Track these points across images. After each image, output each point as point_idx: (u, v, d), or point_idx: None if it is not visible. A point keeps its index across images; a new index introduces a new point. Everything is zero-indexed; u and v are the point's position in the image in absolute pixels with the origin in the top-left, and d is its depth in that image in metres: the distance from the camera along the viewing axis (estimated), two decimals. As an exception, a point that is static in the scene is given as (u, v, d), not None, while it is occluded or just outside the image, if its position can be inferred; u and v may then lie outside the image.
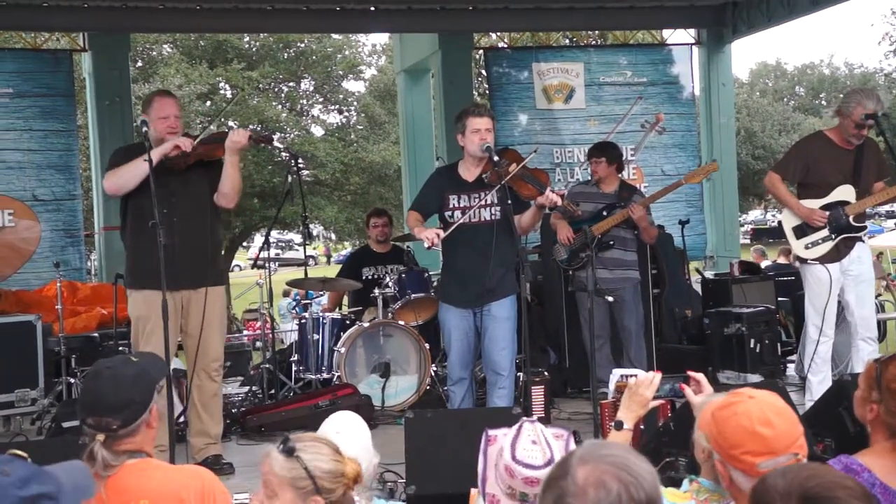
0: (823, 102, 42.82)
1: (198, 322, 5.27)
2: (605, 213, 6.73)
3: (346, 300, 8.53)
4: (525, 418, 3.00)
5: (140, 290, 5.41)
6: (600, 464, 1.78)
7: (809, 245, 5.90)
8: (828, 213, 5.83)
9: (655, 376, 3.17)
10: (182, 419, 5.89)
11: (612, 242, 6.65)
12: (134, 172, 5.24)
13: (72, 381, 7.08)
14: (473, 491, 2.93)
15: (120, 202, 5.59)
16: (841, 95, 8.02)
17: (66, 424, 5.88)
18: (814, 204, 5.89)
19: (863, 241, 5.94)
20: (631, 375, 3.22)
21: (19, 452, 2.03)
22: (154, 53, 22.69)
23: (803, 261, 5.97)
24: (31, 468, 1.96)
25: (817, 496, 1.85)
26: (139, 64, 21.50)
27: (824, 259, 5.86)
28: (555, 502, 1.77)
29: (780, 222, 6.11)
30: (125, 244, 5.59)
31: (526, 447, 2.76)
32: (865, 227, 5.87)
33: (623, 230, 6.72)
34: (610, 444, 1.87)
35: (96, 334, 7.38)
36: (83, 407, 2.73)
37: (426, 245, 5.42)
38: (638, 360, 6.69)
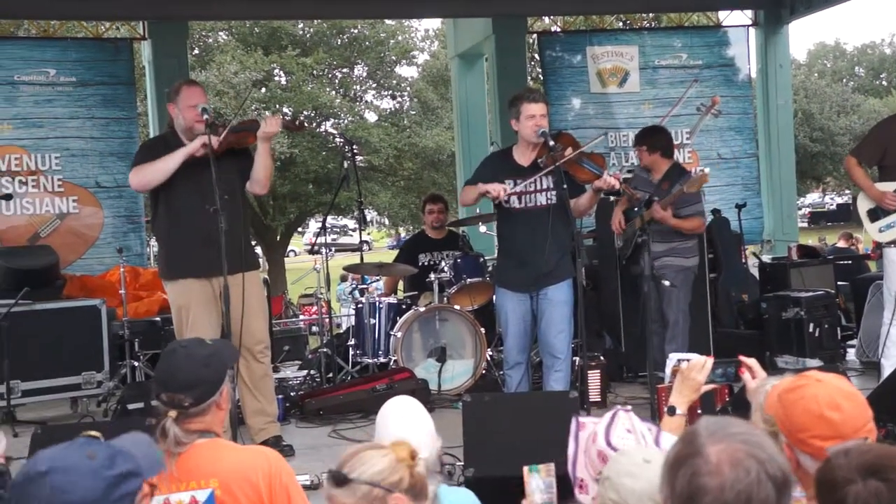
0: (884, 83, 41.96)
1: (238, 306, 5.31)
2: (654, 200, 6.58)
3: (401, 285, 8.60)
4: (619, 406, 3.02)
5: (177, 280, 5.49)
6: (733, 442, 1.78)
7: (884, 228, 5.85)
8: None
9: (707, 361, 3.17)
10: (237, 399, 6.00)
11: (644, 230, 6.39)
12: (160, 169, 5.32)
13: (136, 364, 7.24)
14: (526, 469, 2.96)
15: (150, 195, 5.67)
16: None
17: (131, 406, 6.03)
18: (889, 186, 5.82)
19: None
20: (685, 360, 3.23)
21: (93, 433, 2.10)
22: (210, 41, 22.97)
23: (879, 244, 5.94)
24: (111, 447, 2.04)
25: (876, 467, 1.86)
26: (196, 51, 21.77)
27: None
28: (689, 481, 1.77)
29: (855, 205, 6.04)
30: (157, 235, 5.69)
31: (621, 434, 2.78)
32: None
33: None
34: (735, 422, 1.86)
35: (158, 318, 7.52)
36: (157, 383, 2.81)
37: (495, 195, 5.41)
38: (669, 350, 6.58)
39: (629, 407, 2.91)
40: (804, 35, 52.50)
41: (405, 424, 2.90)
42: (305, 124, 7.82)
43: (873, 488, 1.85)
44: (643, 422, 2.92)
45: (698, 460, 1.77)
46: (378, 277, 9.61)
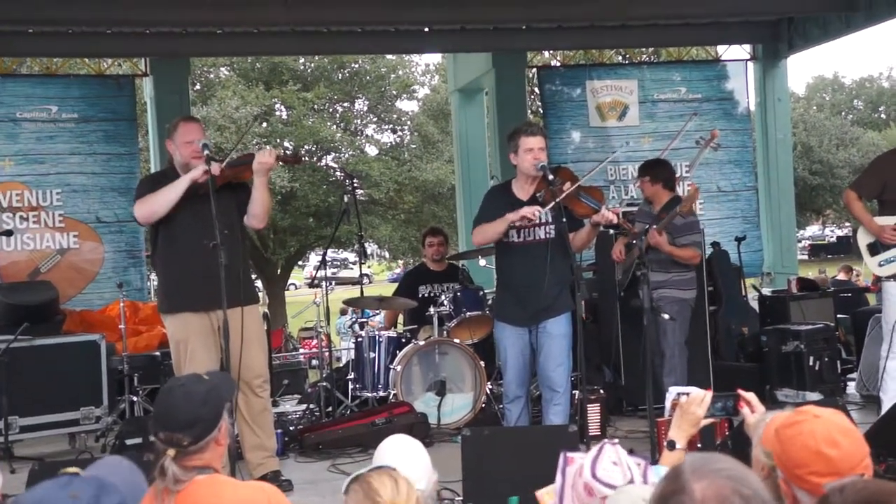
0: (883, 116, 42.15)
1: (237, 340, 5.30)
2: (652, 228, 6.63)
3: (401, 318, 8.60)
4: (606, 440, 3.03)
5: (175, 314, 5.51)
6: (717, 478, 1.78)
7: (883, 262, 5.87)
8: None
9: (706, 394, 3.17)
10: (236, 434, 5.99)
11: (643, 263, 6.42)
12: (164, 200, 5.35)
13: (134, 399, 7.23)
14: (539, 493, 2.96)
15: (150, 229, 5.69)
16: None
17: (129, 442, 6.02)
18: (889, 221, 5.84)
19: None
20: (685, 393, 3.22)
21: (72, 469, 2.08)
22: (212, 76, 23.10)
23: (879, 278, 5.95)
24: (94, 482, 2.02)
25: (874, 501, 1.85)
26: (197, 87, 21.89)
27: None
28: None
29: (855, 238, 6.06)
30: (157, 270, 5.71)
31: (607, 467, 2.79)
32: None
33: (661, 253, 6.54)
34: (719, 457, 1.87)
35: (158, 353, 7.51)
36: (156, 422, 2.80)
37: (530, 216, 5.38)
38: (668, 382, 6.55)
39: (616, 440, 2.92)
40: (803, 68, 53.04)
41: (402, 458, 2.90)
42: (301, 157, 7.83)
43: None
44: (632, 455, 2.92)
45: (683, 497, 1.77)
46: (378, 311, 9.61)
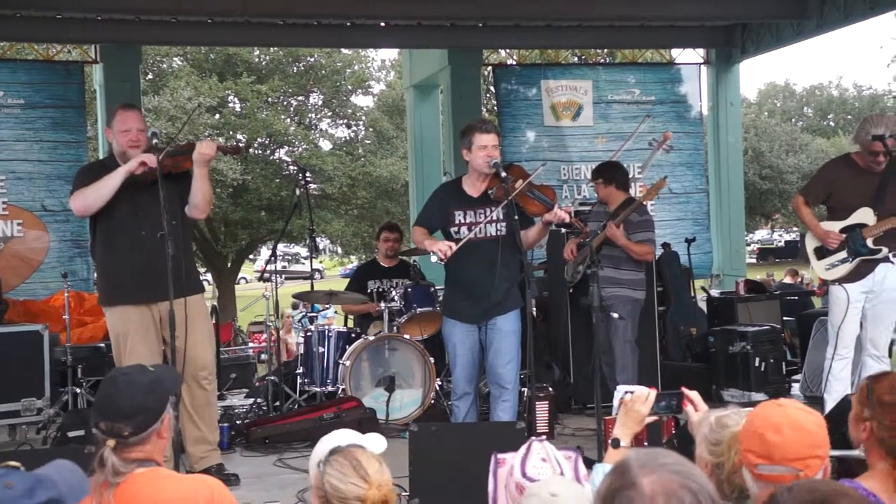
0: (832, 124, 42.85)
1: (181, 332, 5.19)
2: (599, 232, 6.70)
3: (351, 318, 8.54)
4: (534, 437, 3.03)
5: (114, 306, 5.42)
6: (664, 473, 1.78)
7: (829, 266, 5.96)
8: (844, 235, 5.86)
9: (651, 393, 3.18)
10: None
11: (599, 261, 6.50)
12: (100, 192, 5.26)
13: (78, 391, 7.11)
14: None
15: (88, 220, 5.60)
16: (849, 117, 8.06)
17: (71, 434, 5.91)
18: (834, 226, 5.93)
19: (892, 263, 5.90)
20: (631, 392, 3.23)
21: (13, 463, 2.04)
22: (164, 66, 22.82)
23: (825, 281, 6.04)
24: (31, 476, 1.98)
25: (820, 501, 1.87)
26: (149, 76, 21.61)
27: (844, 280, 5.91)
28: None
29: (804, 242, 6.15)
30: (95, 262, 5.62)
31: (536, 464, 2.79)
32: (881, 250, 5.86)
33: (616, 249, 6.65)
34: (665, 452, 1.87)
35: (102, 345, 7.39)
36: (96, 411, 2.74)
37: (436, 259, 5.41)
38: (621, 380, 6.61)
39: (543, 437, 2.92)
40: (755, 75, 53.69)
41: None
42: (242, 148, 7.78)
43: None
44: (563, 450, 2.92)
45: (632, 492, 1.77)
46: (328, 306, 9.55)
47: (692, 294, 8.96)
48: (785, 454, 2.30)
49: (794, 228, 42.00)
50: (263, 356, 10.98)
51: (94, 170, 5.57)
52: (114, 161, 5.43)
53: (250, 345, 14.37)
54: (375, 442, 2.72)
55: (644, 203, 6.82)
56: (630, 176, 7.85)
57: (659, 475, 1.77)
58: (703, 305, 9.03)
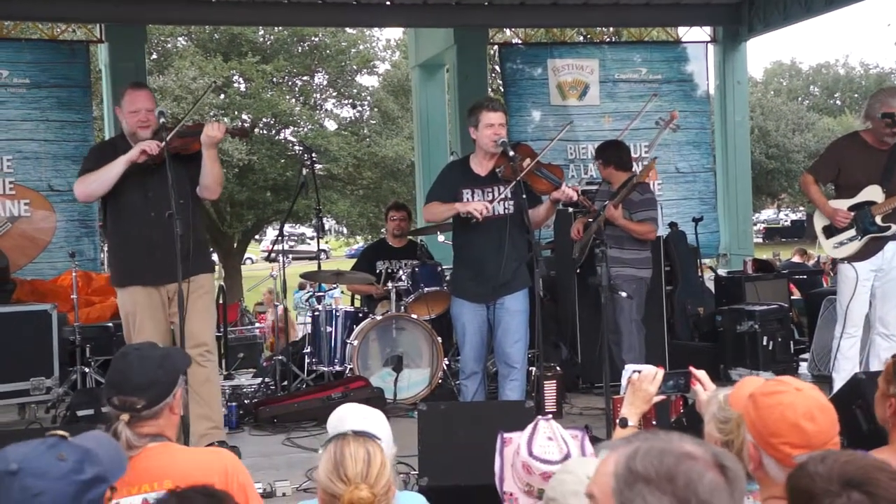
0: (838, 102, 42.68)
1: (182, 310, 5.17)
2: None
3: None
4: (540, 416, 3.02)
5: (124, 287, 5.42)
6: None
7: (837, 245, 5.95)
8: (853, 213, 5.85)
9: (658, 372, 3.18)
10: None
11: (601, 241, 6.49)
12: (102, 180, 5.25)
13: (86, 370, 7.13)
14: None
15: (99, 201, 5.60)
16: (856, 95, 8.02)
17: (80, 413, 5.93)
18: (843, 204, 5.92)
19: None
20: (639, 371, 3.23)
21: (60, 432, 2.04)
22: (169, 46, 22.76)
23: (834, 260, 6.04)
24: (80, 450, 1.98)
25: (858, 478, 1.85)
26: (154, 56, 21.56)
27: (853, 258, 5.90)
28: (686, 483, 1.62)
29: (810, 222, 6.15)
30: (107, 242, 5.59)
31: (542, 443, 2.79)
32: (889, 227, 5.84)
33: (618, 229, 6.62)
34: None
35: (110, 324, 7.41)
36: (109, 385, 2.75)
37: (477, 216, 5.36)
38: (628, 360, 6.61)
39: (549, 415, 2.92)
40: (761, 53, 53.49)
41: (368, 424, 2.84)
42: (249, 130, 7.75)
43: (856, 501, 1.83)
44: (569, 429, 2.92)
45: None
46: (335, 286, 9.55)
47: (700, 273, 8.95)
48: (824, 438, 2.29)
49: (801, 208, 41.92)
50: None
51: (102, 151, 5.53)
52: (124, 140, 5.42)
53: (257, 325, 14.40)
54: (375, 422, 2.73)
55: (645, 182, 6.81)
56: (637, 155, 7.84)
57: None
58: (710, 285, 9.02)
